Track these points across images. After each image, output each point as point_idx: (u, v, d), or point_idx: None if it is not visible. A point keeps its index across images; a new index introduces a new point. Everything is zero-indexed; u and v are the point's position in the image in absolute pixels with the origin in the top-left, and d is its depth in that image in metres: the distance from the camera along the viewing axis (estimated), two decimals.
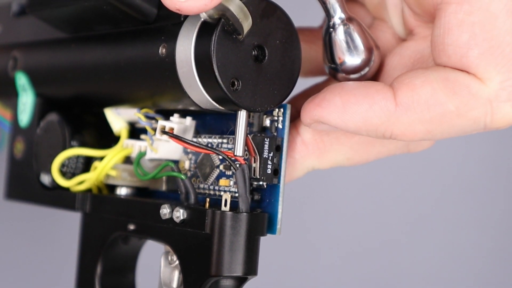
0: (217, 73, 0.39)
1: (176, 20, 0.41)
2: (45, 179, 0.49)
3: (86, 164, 0.48)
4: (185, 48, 0.40)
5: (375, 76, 0.43)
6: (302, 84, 0.44)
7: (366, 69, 0.42)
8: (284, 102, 0.41)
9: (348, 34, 0.41)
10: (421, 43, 0.42)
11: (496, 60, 0.37)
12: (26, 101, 0.50)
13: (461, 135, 0.39)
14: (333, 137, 0.43)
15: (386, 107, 0.39)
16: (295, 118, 0.43)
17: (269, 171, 0.41)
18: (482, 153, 0.83)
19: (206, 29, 0.39)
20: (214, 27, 0.39)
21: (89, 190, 0.47)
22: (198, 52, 0.39)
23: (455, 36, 0.38)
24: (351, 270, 0.80)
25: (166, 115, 0.44)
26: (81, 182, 0.47)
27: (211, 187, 0.43)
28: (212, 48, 0.39)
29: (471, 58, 0.38)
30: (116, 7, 0.42)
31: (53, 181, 0.48)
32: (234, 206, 0.40)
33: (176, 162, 0.45)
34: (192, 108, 0.42)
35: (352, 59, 0.41)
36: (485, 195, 0.84)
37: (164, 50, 0.41)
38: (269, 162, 0.41)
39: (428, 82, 0.38)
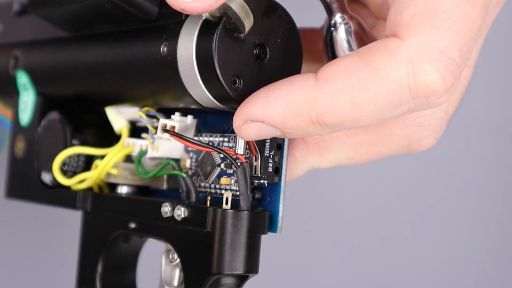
0: (218, 72, 0.39)
1: (177, 19, 0.41)
2: (46, 177, 0.49)
3: (87, 162, 0.48)
4: (187, 46, 0.40)
5: None
6: None
7: None
8: None
9: (349, 33, 0.41)
10: None
11: (426, 21, 0.37)
12: (27, 100, 0.50)
13: (392, 110, 0.37)
14: (334, 136, 0.43)
15: (307, 84, 0.38)
16: None
17: (270, 169, 0.41)
18: (482, 153, 0.83)
19: (207, 28, 0.39)
20: (215, 26, 0.39)
21: (90, 189, 0.47)
22: (199, 51, 0.39)
23: None
24: (352, 269, 0.80)
25: (167, 113, 0.44)
26: (82, 181, 0.47)
27: (212, 185, 0.43)
28: (214, 47, 0.39)
29: (404, 15, 0.37)
30: (118, 6, 0.42)
31: (54, 179, 0.48)
32: (235, 204, 0.40)
33: (177, 160, 0.45)
34: (193, 106, 0.42)
35: None
36: (485, 195, 0.84)
37: (165, 49, 0.41)
38: (270, 161, 0.41)
39: (349, 55, 0.38)
